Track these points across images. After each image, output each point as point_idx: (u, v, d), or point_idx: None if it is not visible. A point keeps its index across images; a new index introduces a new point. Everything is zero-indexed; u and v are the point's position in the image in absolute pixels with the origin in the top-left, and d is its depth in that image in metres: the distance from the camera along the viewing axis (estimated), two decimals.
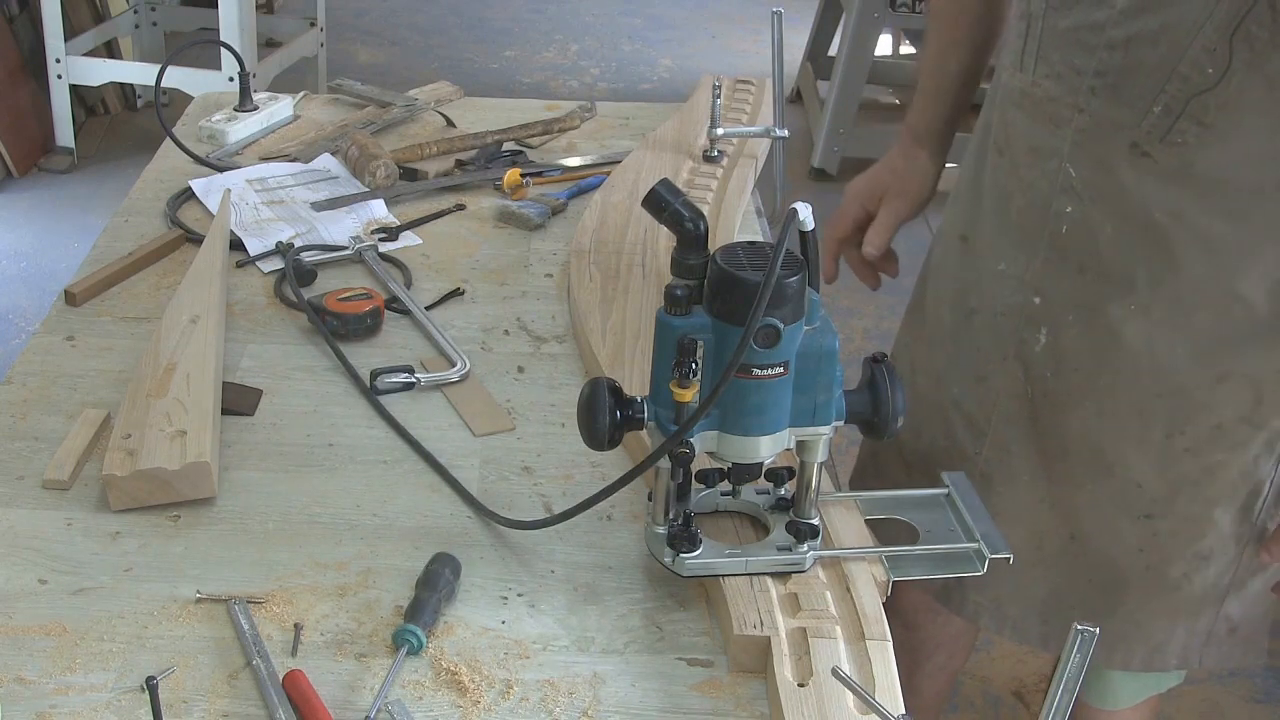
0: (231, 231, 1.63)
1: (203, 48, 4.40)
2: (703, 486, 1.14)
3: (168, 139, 1.90)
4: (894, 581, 1.10)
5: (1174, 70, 1.17)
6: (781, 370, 1.01)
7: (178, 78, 3.72)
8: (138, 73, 4.36)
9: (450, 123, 2.04)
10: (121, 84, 4.66)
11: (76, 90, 4.27)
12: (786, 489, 1.15)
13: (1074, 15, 1.25)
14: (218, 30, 3.96)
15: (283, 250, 1.59)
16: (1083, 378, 1.34)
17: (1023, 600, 1.46)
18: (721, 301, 1.00)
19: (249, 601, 1.06)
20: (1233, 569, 1.41)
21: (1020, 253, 1.35)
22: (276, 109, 2.01)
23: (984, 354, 1.42)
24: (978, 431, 1.44)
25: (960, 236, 1.46)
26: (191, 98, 2.15)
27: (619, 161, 1.87)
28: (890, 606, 1.07)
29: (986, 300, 1.41)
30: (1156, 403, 1.32)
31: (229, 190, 1.72)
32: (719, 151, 1.86)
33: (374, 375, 1.36)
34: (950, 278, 1.48)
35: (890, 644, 1.01)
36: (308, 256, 1.59)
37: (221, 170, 1.83)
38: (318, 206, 1.73)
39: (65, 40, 4.07)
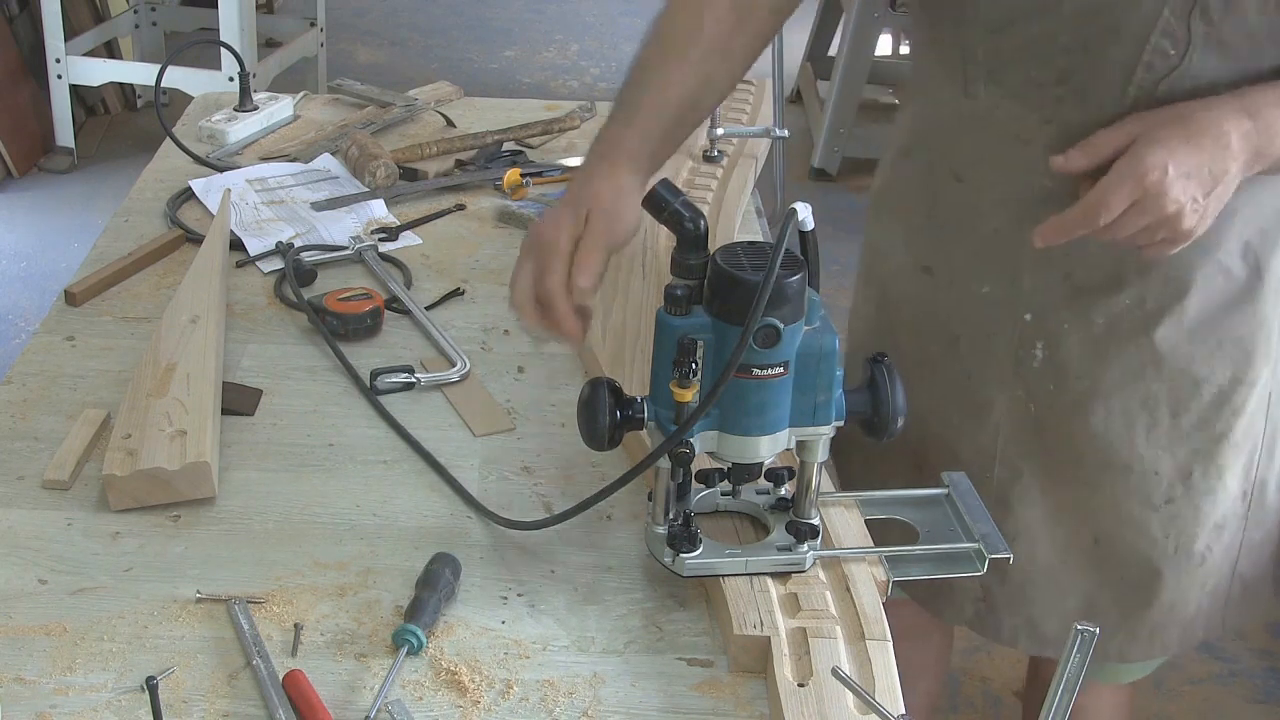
0: (231, 231, 1.63)
1: (203, 48, 4.40)
2: (703, 486, 1.14)
3: (168, 139, 1.90)
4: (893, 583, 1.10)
5: (1139, 60, 1.18)
6: (781, 370, 1.01)
7: (178, 78, 3.72)
8: (138, 73, 4.36)
9: (450, 123, 2.04)
10: (121, 84, 4.66)
11: (76, 90, 4.27)
12: (786, 489, 1.15)
13: (1019, 32, 1.23)
14: (218, 30, 3.95)
15: (283, 250, 1.59)
16: (1086, 383, 1.34)
17: (1057, 614, 1.45)
18: (721, 301, 1.00)
19: (249, 601, 1.06)
20: (1242, 529, 1.43)
21: (1003, 273, 1.34)
22: (276, 109, 2.01)
23: (977, 380, 1.40)
24: (986, 458, 1.42)
25: (923, 268, 1.42)
26: (191, 98, 2.15)
27: None
28: None
29: (971, 327, 1.39)
30: (1159, 388, 1.33)
31: (229, 190, 1.72)
32: (719, 151, 1.86)
33: (374, 375, 1.36)
34: (922, 311, 1.43)
35: (890, 644, 1.01)
36: (308, 256, 1.59)
37: (221, 170, 1.83)
38: (318, 206, 1.73)
39: (65, 40, 4.07)
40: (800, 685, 0.96)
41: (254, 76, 2.74)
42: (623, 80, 1.28)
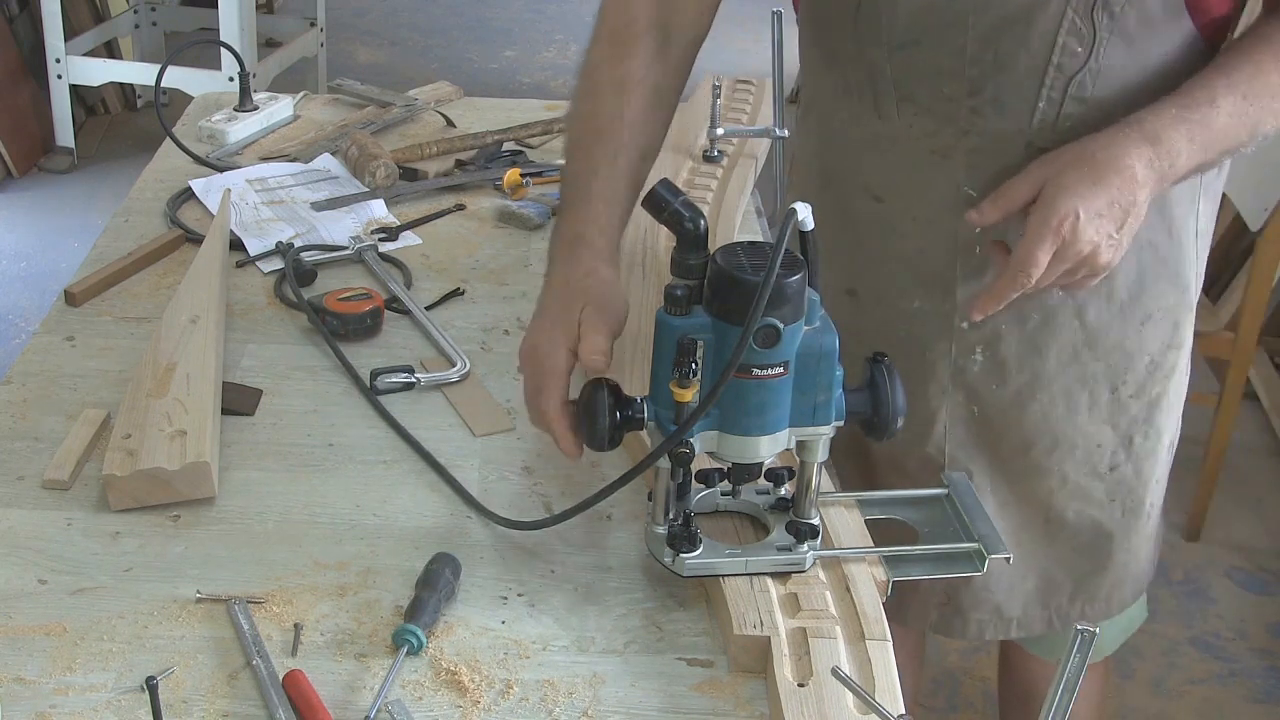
0: (231, 231, 1.63)
1: (203, 48, 4.40)
2: (703, 486, 1.14)
3: (168, 139, 1.90)
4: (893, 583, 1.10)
5: (1048, 63, 1.20)
6: (781, 370, 1.01)
7: (178, 78, 3.72)
8: (138, 73, 4.36)
9: (450, 123, 2.04)
10: (121, 84, 4.66)
11: (76, 90, 4.27)
12: (786, 489, 1.15)
13: (927, 48, 1.24)
14: (218, 30, 3.96)
15: (283, 250, 1.59)
16: (1026, 376, 1.35)
17: (1019, 596, 1.48)
18: (721, 301, 1.00)
19: (249, 601, 1.06)
20: (1169, 475, 1.49)
21: (934, 288, 1.34)
22: (276, 109, 2.01)
23: (916, 395, 1.37)
24: (933, 468, 1.42)
25: (846, 291, 1.40)
26: (191, 98, 2.15)
27: None
28: None
29: (902, 343, 1.37)
30: (1097, 366, 1.36)
31: (229, 190, 1.72)
32: (719, 151, 1.86)
33: (374, 375, 1.36)
34: (846, 334, 1.33)
35: (890, 644, 1.01)
36: (308, 256, 1.59)
37: (221, 170, 1.83)
38: (318, 206, 1.73)
39: (65, 40, 4.07)
40: (800, 685, 0.96)
41: (254, 76, 2.74)
42: (565, 168, 1.27)
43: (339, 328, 1.44)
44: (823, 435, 1.06)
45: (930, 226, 1.32)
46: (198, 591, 1.08)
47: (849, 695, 0.95)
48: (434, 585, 1.06)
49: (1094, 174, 1.14)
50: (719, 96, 1.83)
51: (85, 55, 4.20)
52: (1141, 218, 1.16)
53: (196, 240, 1.61)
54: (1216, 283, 3.08)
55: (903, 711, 0.94)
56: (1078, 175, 1.14)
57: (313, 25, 4.60)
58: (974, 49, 1.22)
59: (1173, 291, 1.36)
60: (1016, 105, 1.23)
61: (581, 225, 1.20)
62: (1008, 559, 1.11)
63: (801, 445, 1.06)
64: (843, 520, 1.14)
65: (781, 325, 0.98)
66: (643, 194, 1.08)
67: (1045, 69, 1.20)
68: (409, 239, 1.69)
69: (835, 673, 0.96)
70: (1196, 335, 1.44)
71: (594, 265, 1.16)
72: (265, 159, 1.90)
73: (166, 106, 2.00)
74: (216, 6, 3.97)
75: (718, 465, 1.11)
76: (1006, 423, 1.38)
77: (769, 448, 1.05)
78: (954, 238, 1.31)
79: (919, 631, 1.80)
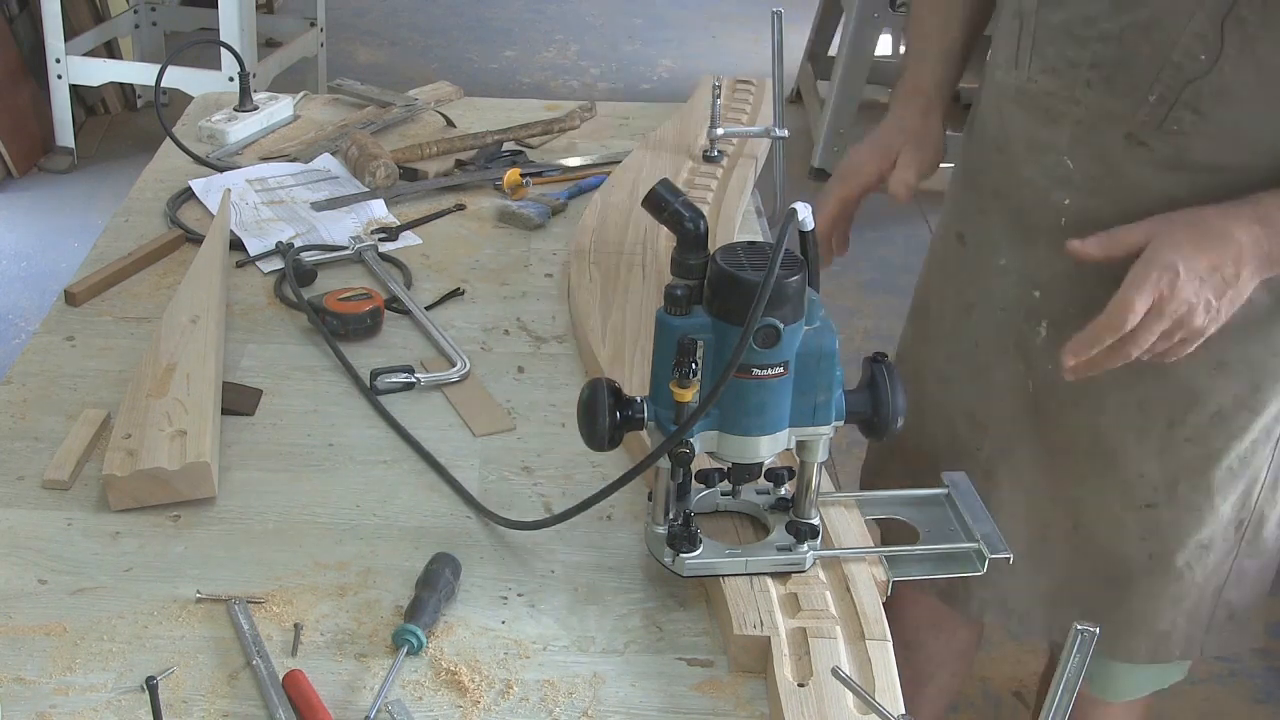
0: (231, 231, 1.63)
1: (203, 48, 4.40)
2: (703, 486, 1.14)
3: (168, 139, 1.90)
4: (894, 585, 1.10)
5: (1167, 59, 1.19)
6: (781, 370, 1.01)
7: (178, 78, 3.72)
8: (138, 73, 4.36)
9: (450, 123, 2.04)
10: (121, 84, 4.66)
11: (76, 90, 4.27)
12: (786, 489, 1.15)
13: (1066, 9, 1.26)
14: (218, 30, 3.95)
15: (283, 250, 1.59)
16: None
17: (1028, 594, 1.48)
18: (721, 301, 1.00)
19: (249, 601, 1.06)
20: (1233, 556, 1.43)
21: (1020, 248, 1.37)
22: (276, 109, 2.01)
23: (984, 349, 1.43)
24: (979, 427, 1.45)
25: (957, 234, 1.47)
26: (191, 98, 2.15)
27: (619, 161, 1.87)
28: (890, 624, 1.06)
29: (986, 296, 1.42)
30: (1157, 393, 1.34)
31: (229, 190, 1.72)
32: (719, 151, 1.86)
33: (374, 375, 1.36)
34: (949, 275, 1.50)
35: (890, 644, 1.01)
36: (308, 256, 1.59)
37: (221, 170, 1.83)
38: (318, 206, 1.73)
39: (65, 40, 4.07)
40: (800, 685, 0.97)
41: (254, 76, 2.74)
42: (909, 35, 1.52)
43: (339, 328, 1.44)
44: (823, 435, 1.06)
45: (1030, 186, 1.34)
46: (198, 591, 1.08)
47: (849, 695, 0.95)
48: (434, 585, 1.06)
49: (1202, 238, 1.15)
50: (719, 97, 1.83)
51: (85, 55, 4.20)
52: (1244, 295, 1.17)
53: (196, 240, 1.61)
54: None
55: (903, 711, 0.94)
56: (1185, 235, 1.15)
57: (313, 25, 4.60)
58: (1105, 23, 1.22)
59: (1259, 349, 1.31)
60: (1128, 90, 1.22)
61: (921, 80, 1.46)
62: (1008, 559, 1.10)
63: (801, 445, 1.06)
64: (843, 520, 1.14)
65: (781, 325, 0.98)
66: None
67: (1163, 64, 1.19)
68: (409, 239, 1.69)
69: (835, 673, 0.96)
70: None
71: (925, 115, 1.44)
72: (265, 159, 1.90)
73: (166, 106, 2.00)
74: (216, 6, 3.97)
75: (718, 465, 1.11)
76: (1056, 413, 1.39)
77: (769, 448, 1.05)
78: (1046, 201, 1.32)
79: (972, 631, 1.79)
